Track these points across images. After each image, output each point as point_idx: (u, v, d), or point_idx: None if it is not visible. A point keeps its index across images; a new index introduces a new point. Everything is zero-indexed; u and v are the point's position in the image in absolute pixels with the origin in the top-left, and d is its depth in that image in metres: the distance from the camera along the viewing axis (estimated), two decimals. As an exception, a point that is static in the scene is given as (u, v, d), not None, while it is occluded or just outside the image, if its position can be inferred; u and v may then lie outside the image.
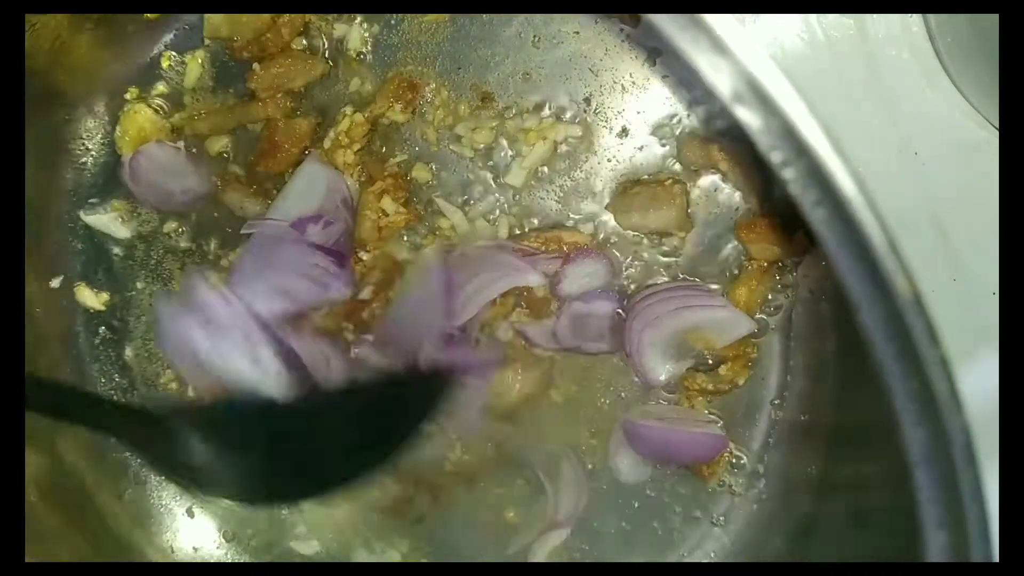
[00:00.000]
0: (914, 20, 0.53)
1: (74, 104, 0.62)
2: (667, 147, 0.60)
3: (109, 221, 0.63)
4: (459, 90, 0.61)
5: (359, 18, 0.61)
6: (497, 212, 0.62)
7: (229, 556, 0.67)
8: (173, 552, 0.67)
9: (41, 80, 0.59)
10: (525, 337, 0.62)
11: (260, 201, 0.62)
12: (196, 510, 0.67)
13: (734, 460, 0.63)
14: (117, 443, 0.63)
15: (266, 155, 0.61)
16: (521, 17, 0.60)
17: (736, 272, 0.61)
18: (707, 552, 0.64)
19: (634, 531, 0.64)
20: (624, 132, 0.61)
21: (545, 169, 0.62)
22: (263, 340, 0.58)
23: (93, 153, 0.63)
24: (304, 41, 0.61)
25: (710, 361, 0.62)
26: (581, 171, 0.61)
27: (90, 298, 0.65)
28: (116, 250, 0.64)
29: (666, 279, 0.62)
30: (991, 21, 0.46)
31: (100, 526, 0.65)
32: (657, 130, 0.60)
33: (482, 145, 0.61)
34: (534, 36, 0.60)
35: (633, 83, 0.60)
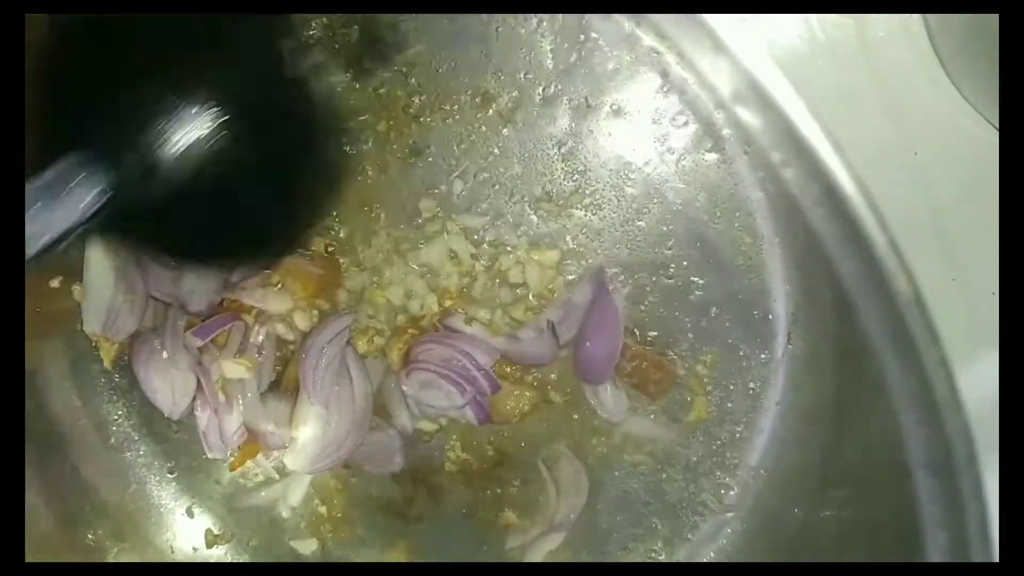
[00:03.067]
0: (914, 20, 0.53)
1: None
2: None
3: (109, 221, 0.63)
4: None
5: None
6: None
7: (229, 556, 0.67)
8: (173, 552, 0.67)
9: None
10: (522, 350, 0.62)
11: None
12: (196, 510, 0.67)
13: (728, 462, 0.64)
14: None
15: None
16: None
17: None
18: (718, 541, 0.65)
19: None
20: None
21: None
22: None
23: (93, 153, 0.63)
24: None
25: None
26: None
27: (90, 298, 0.65)
28: (116, 250, 0.64)
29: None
30: (991, 21, 0.46)
31: (100, 526, 0.65)
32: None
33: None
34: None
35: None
